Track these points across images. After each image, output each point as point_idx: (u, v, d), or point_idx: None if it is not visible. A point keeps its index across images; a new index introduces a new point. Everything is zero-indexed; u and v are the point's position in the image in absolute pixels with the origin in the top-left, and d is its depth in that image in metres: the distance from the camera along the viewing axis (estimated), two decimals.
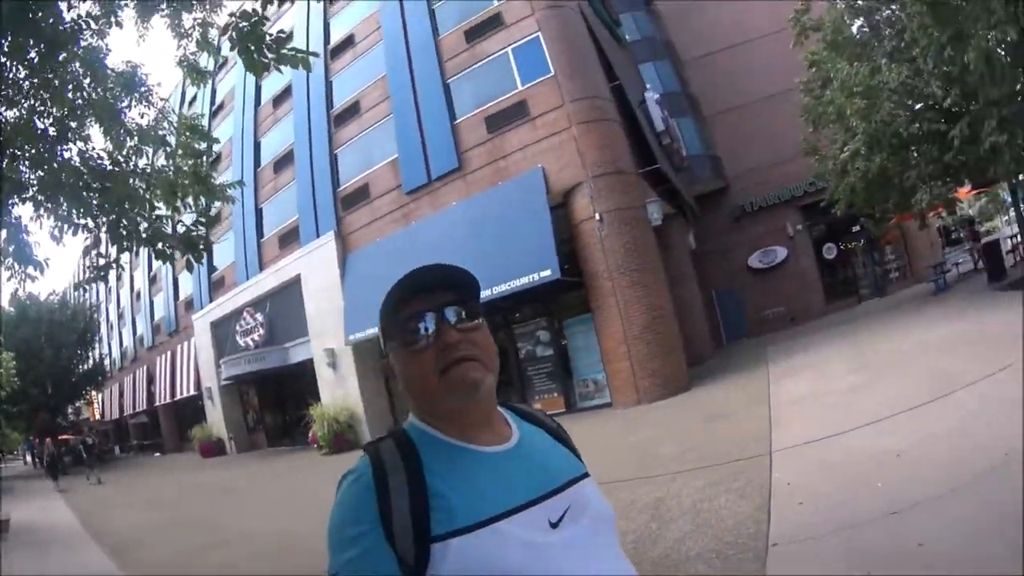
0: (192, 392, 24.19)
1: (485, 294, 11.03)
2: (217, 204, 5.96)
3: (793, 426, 6.56)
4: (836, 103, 12.42)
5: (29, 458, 39.58)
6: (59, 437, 27.81)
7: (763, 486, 4.82)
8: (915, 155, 12.22)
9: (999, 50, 6.75)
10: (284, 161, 19.57)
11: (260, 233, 20.22)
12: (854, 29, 13.15)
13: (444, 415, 0.97)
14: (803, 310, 19.64)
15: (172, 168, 5.33)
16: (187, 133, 5.49)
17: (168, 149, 5.34)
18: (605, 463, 6.65)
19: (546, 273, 11.48)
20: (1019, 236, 16.88)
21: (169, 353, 27.07)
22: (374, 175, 16.04)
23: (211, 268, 23.17)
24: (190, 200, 5.40)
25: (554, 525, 0.92)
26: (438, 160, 14.38)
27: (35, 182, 4.59)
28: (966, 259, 21.15)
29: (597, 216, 11.85)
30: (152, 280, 30.46)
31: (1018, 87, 8.42)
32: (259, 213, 20.43)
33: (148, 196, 5.12)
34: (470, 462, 0.94)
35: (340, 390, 15.86)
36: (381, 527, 0.85)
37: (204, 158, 5.76)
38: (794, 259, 20.00)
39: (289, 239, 18.59)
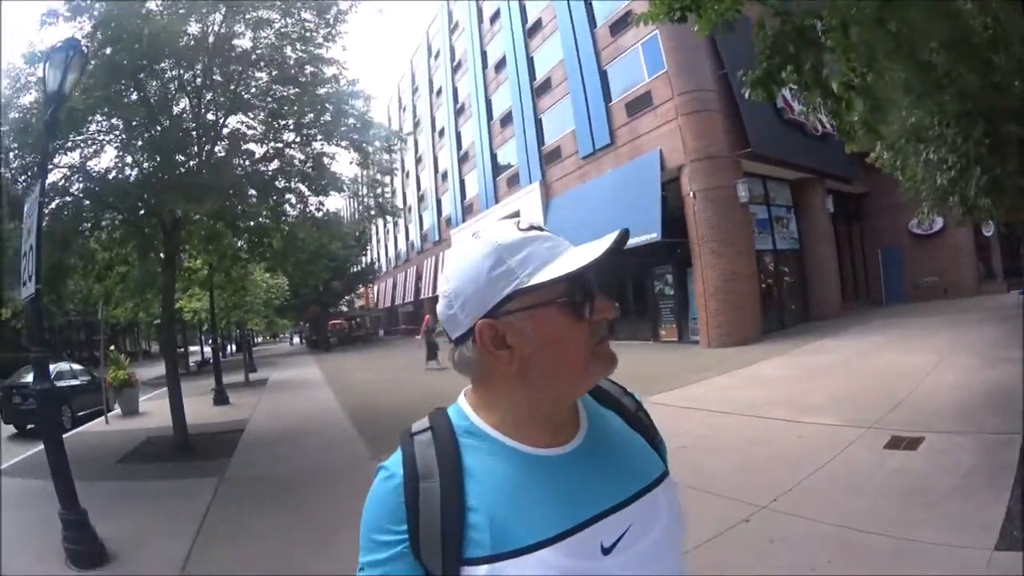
0: None
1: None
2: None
3: (680, 394, 8.79)
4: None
5: (296, 339, 54.35)
6: (329, 323, 38.81)
7: None
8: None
9: None
10: (507, 119, 25.70)
11: (496, 172, 27.23)
12: None
13: (550, 398, 0.83)
14: (954, 284, 19.29)
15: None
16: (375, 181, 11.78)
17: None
18: None
19: (653, 235, 15.36)
20: None
21: (433, 257, 36.02)
22: (563, 140, 21.19)
23: (463, 195, 31.44)
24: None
25: (606, 551, 0.79)
26: (599, 135, 18.90)
27: None
28: None
29: (691, 194, 15.63)
30: (420, 199, 40.35)
31: None
32: (494, 157, 27.34)
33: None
34: (521, 469, 0.81)
35: None
36: (408, 539, 0.77)
37: (384, 190, 12.26)
38: (950, 229, 19.02)
39: (513, 181, 25.12)
